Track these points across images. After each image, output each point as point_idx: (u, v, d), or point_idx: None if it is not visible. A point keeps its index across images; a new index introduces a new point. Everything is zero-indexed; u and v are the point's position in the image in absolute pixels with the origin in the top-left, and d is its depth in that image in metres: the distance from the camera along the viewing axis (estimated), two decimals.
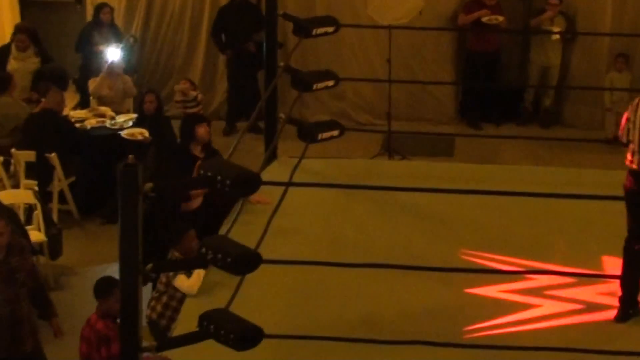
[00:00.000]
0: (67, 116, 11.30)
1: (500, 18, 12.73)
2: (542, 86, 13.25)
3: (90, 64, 12.62)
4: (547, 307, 8.11)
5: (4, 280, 7.42)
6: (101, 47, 12.48)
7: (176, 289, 7.95)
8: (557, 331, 7.76)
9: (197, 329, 6.37)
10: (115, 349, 7.31)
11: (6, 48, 12.18)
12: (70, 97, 12.72)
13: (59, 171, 10.51)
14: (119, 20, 13.42)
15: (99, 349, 7.40)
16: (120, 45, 12.51)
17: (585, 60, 13.20)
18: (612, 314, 7.94)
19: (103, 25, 12.76)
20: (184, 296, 7.87)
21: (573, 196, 8.62)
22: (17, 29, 12.32)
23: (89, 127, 11.17)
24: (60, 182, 10.57)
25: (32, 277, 7.71)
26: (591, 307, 8.07)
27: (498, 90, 13.28)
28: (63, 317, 8.29)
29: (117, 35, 12.85)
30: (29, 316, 7.63)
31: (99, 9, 12.84)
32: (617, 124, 12.45)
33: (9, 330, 7.49)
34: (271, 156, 10.05)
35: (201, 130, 9.54)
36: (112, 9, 12.93)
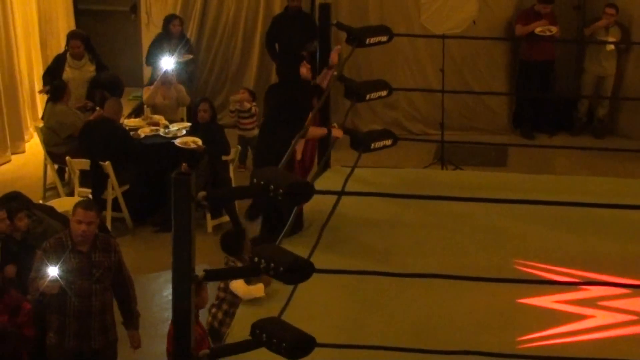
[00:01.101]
0: (123, 125, 11.37)
1: (554, 29, 12.69)
2: (597, 96, 13.20)
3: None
4: (601, 318, 8.06)
5: (80, 273, 7.51)
6: (185, 57, 12.58)
7: (235, 295, 7.96)
8: (611, 342, 7.72)
9: (249, 337, 6.41)
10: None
11: (62, 57, 12.26)
12: (125, 106, 12.79)
13: (112, 179, 10.58)
14: None
15: None
16: (176, 55, 12.59)
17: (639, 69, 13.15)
18: None
19: (173, 37, 12.80)
20: None
21: (627, 207, 8.56)
22: (71, 36, 12.38)
23: (142, 135, 11.23)
24: (114, 190, 10.63)
25: (118, 280, 7.77)
26: None
27: (551, 100, 13.23)
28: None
29: (188, 47, 12.91)
30: (103, 314, 7.68)
31: (168, 20, 12.89)
32: None
33: (77, 322, 7.56)
34: (324, 165, 10.06)
35: None
36: (182, 21, 12.96)
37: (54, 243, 7.60)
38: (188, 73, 12.76)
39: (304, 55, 11.84)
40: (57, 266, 7.33)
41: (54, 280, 7.34)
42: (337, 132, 9.47)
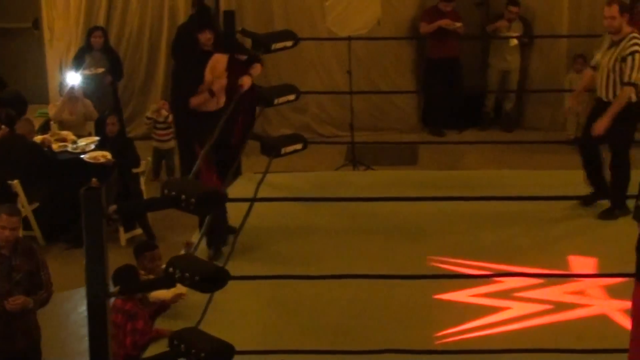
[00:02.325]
0: (35, 141, 11.24)
1: (458, 24, 12.81)
2: (503, 90, 13.34)
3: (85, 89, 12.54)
4: (517, 309, 8.16)
5: (0, 276, 7.47)
6: (87, 71, 12.47)
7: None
8: (527, 332, 7.82)
9: (167, 349, 6.40)
10: (139, 324, 7.53)
11: None
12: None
13: (22, 198, 10.50)
14: (75, 44, 13.39)
15: (124, 326, 7.56)
16: (82, 70, 12.51)
17: (544, 63, 13.30)
18: (580, 312, 8.03)
19: (94, 49, 12.71)
20: None
21: (537, 198, 8.71)
22: None
23: (57, 147, 11.16)
24: (24, 208, 10.55)
25: (38, 282, 7.72)
26: (560, 307, 8.14)
27: (459, 97, 13.35)
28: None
29: (113, 59, 12.84)
30: (26, 315, 7.62)
31: (89, 33, 12.79)
32: (578, 124, 12.64)
33: (0, 323, 7.52)
34: (235, 172, 10.07)
35: None
36: (104, 32, 12.86)
37: None
38: (103, 86, 12.66)
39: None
40: None
41: None
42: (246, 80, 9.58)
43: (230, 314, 7.88)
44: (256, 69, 9.40)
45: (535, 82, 13.29)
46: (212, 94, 8.84)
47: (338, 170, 11.69)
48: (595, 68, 9.35)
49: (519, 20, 12.98)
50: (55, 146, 11.25)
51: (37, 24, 13.89)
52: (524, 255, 8.78)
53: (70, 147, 11.23)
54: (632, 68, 9.02)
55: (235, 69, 9.18)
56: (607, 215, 9.24)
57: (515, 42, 12.98)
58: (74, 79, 12.14)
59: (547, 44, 13.18)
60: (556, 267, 8.55)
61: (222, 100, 8.90)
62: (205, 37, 9.20)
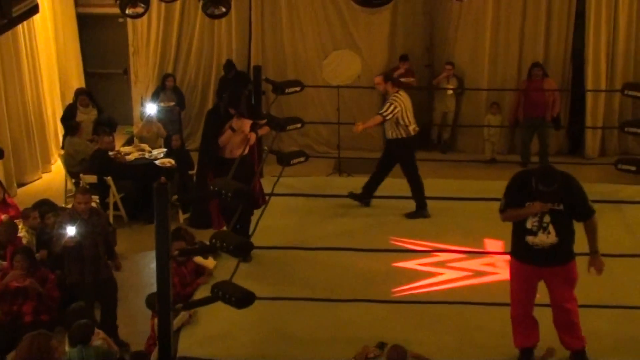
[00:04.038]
0: (109, 153, 11.13)
1: (411, 79, 12.77)
2: (442, 125, 13.31)
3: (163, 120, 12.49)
4: (448, 274, 8.15)
5: (88, 232, 7.57)
6: (162, 104, 12.46)
7: None
8: (455, 290, 7.81)
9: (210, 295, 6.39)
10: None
11: (73, 105, 12.11)
12: (120, 138, 12.68)
13: (113, 189, 10.48)
14: (152, 85, 13.38)
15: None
16: (159, 103, 12.48)
17: (470, 106, 13.26)
18: (491, 278, 8.01)
19: (167, 89, 12.67)
20: None
21: (463, 199, 8.69)
22: (79, 92, 12.27)
23: (133, 158, 11.11)
24: (114, 196, 10.53)
25: (105, 233, 7.90)
26: (477, 274, 8.14)
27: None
28: (119, 287, 8.25)
29: (180, 95, 12.84)
30: (104, 256, 7.79)
31: (164, 77, 12.78)
32: (492, 150, 12.62)
33: (92, 262, 7.61)
34: (259, 175, 10.04)
35: None
36: (174, 78, 12.87)
37: (66, 215, 7.76)
38: (174, 114, 12.61)
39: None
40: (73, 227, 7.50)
41: (72, 237, 7.48)
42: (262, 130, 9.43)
43: (252, 276, 7.84)
44: (264, 129, 8.89)
45: (465, 120, 13.26)
46: (232, 129, 8.35)
47: (329, 176, 11.65)
48: (385, 119, 9.41)
49: (454, 77, 12.94)
50: (136, 154, 11.22)
51: (126, 70, 13.85)
52: (454, 237, 8.77)
53: (147, 155, 11.20)
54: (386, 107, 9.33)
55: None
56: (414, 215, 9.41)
57: (451, 92, 12.95)
58: (151, 108, 12.13)
59: (473, 94, 13.13)
60: (475, 246, 8.55)
61: (238, 152, 8.38)
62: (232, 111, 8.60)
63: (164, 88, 12.66)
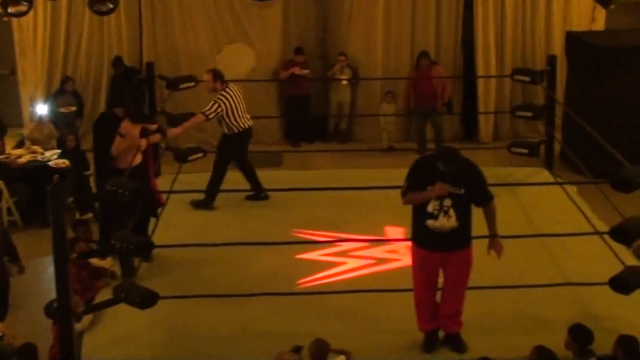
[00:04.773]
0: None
1: (306, 71, 12.81)
2: (338, 115, 13.39)
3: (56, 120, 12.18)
4: (351, 263, 8.22)
5: None
6: (63, 109, 12.14)
7: None
8: (358, 279, 7.88)
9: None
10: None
11: None
12: (10, 140, 12.32)
13: (5, 193, 10.20)
14: (41, 85, 13.05)
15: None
16: (47, 101, 12.21)
17: (365, 96, 13.37)
18: (393, 265, 8.11)
19: (66, 92, 12.33)
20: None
21: (362, 188, 8.75)
22: None
23: (25, 161, 10.81)
24: (7, 200, 10.24)
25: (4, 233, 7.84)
26: (380, 261, 8.23)
27: (309, 119, 13.34)
28: (16, 292, 8.03)
29: (80, 100, 12.51)
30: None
31: (64, 81, 12.42)
32: (389, 139, 12.78)
33: None
34: (157, 173, 9.92)
35: None
36: (74, 81, 12.52)
37: None
38: (71, 117, 12.29)
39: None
40: None
41: None
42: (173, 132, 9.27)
43: (157, 273, 7.75)
44: (155, 137, 8.48)
45: (360, 109, 13.37)
46: (122, 135, 7.97)
47: (228, 171, 11.57)
48: (208, 118, 9.40)
49: (348, 67, 13.03)
50: (28, 157, 10.92)
51: (13, 71, 13.47)
52: (355, 226, 8.83)
53: (39, 157, 10.92)
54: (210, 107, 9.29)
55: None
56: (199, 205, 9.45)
57: (345, 82, 13.04)
58: (41, 109, 11.86)
59: (367, 84, 13.26)
60: (377, 234, 8.64)
61: (137, 159, 8.01)
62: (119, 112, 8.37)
63: (63, 92, 12.35)
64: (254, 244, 7.78)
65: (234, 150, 9.53)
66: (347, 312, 7.18)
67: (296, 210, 9.32)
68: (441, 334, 6.72)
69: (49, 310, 6.66)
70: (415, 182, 6.34)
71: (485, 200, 6.42)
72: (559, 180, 9.85)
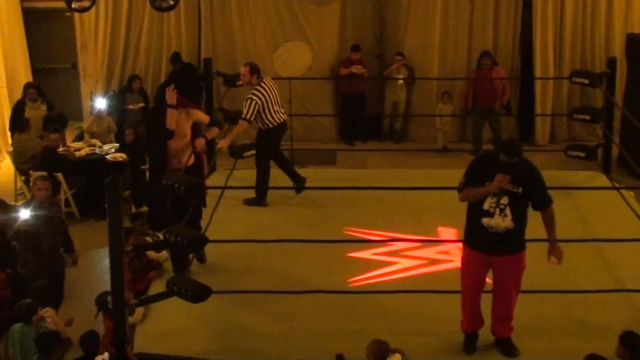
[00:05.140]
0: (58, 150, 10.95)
1: (363, 70, 12.81)
2: (393, 115, 13.36)
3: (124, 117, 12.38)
4: (403, 263, 8.21)
5: (47, 221, 7.51)
6: (131, 106, 12.33)
7: None
8: (410, 279, 7.87)
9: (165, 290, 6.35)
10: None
11: (22, 101, 11.92)
12: (70, 133, 12.52)
13: (64, 185, 10.36)
14: (101, 80, 13.26)
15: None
16: (106, 96, 12.40)
17: (421, 96, 13.32)
18: (445, 266, 8.07)
19: (134, 91, 12.50)
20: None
21: (415, 188, 8.74)
22: (27, 86, 12.04)
23: (84, 154, 10.99)
24: (65, 193, 10.41)
25: (63, 224, 7.86)
26: (432, 262, 8.20)
27: (364, 118, 13.34)
28: (71, 283, 8.16)
29: (146, 98, 12.63)
30: (60, 249, 7.78)
31: (131, 79, 12.56)
32: (444, 139, 12.71)
33: (50, 253, 7.55)
34: (212, 169, 10.01)
35: None
36: (141, 80, 12.66)
37: (25, 203, 7.71)
38: (138, 114, 12.45)
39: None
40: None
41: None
42: (222, 143, 9.31)
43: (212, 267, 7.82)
44: (213, 132, 8.26)
45: (416, 109, 13.32)
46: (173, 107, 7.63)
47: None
48: (249, 121, 9.32)
49: (404, 67, 13.00)
50: (87, 150, 11.10)
51: (75, 65, 13.71)
52: (408, 226, 8.82)
53: (97, 151, 11.09)
54: (246, 107, 9.24)
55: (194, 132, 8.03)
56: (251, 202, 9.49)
57: (402, 82, 13.01)
58: (100, 103, 12.02)
59: (423, 84, 13.21)
60: (430, 235, 8.61)
61: (191, 160, 7.84)
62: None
63: (131, 90, 12.52)
64: (306, 242, 7.81)
65: (271, 145, 9.52)
66: (395, 312, 7.17)
67: (349, 208, 9.33)
68: (489, 336, 6.67)
69: (99, 302, 6.78)
70: (474, 178, 6.29)
71: (543, 203, 6.33)
72: (616, 184, 9.69)
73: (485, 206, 6.24)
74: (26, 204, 7.64)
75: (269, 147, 9.53)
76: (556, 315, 7.07)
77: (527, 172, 6.24)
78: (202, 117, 8.22)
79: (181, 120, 7.78)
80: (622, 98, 11.94)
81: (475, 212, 6.33)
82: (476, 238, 6.37)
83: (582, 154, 9.86)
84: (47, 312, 6.73)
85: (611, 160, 10.53)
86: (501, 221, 6.24)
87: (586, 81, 10.04)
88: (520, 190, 6.20)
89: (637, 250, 7.85)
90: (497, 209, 6.20)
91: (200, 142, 7.95)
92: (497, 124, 12.47)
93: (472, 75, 12.51)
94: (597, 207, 9.21)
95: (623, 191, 9.09)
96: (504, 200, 6.21)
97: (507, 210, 6.22)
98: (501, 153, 6.13)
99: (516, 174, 6.15)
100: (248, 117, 9.23)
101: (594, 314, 7.08)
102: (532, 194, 6.26)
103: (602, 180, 9.93)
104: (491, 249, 6.32)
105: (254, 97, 9.27)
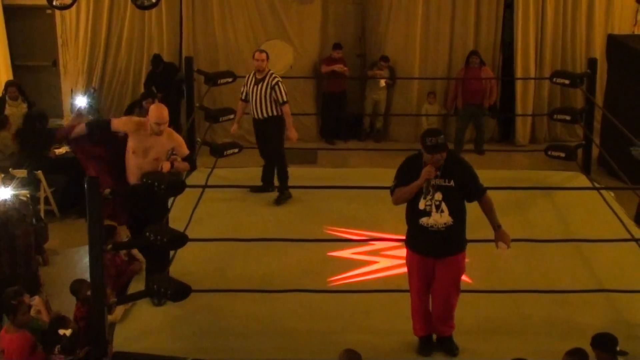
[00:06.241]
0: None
1: (344, 68, 12.81)
2: (374, 114, 13.36)
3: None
4: (383, 262, 8.18)
5: (20, 220, 7.63)
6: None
7: None
8: (389, 279, 7.83)
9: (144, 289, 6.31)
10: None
11: (2, 99, 11.83)
12: None
13: (44, 183, 10.29)
14: (82, 78, 13.18)
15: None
16: (86, 94, 12.34)
17: (402, 96, 13.34)
18: None
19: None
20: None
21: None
22: (8, 84, 11.98)
23: (64, 152, 10.92)
24: (45, 190, 10.34)
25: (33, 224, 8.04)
26: None
27: (345, 118, 13.33)
28: (49, 283, 8.09)
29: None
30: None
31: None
32: None
33: (25, 253, 7.56)
34: (192, 167, 9.96)
35: None
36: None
37: None
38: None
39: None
40: None
41: None
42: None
43: (190, 263, 7.77)
44: (183, 165, 7.28)
45: (397, 109, 13.32)
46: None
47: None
48: (245, 100, 9.37)
49: (386, 69, 13.00)
50: (66, 148, 11.01)
51: (55, 62, 13.62)
52: (388, 226, 8.77)
53: None
54: (281, 93, 9.21)
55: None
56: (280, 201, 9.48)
57: (383, 83, 13.01)
58: (80, 101, 11.97)
59: (404, 84, 13.22)
60: None
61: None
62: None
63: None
64: (286, 240, 7.78)
65: (283, 133, 9.47)
66: (375, 312, 7.15)
67: (329, 207, 9.30)
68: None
69: (74, 289, 6.83)
70: (404, 179, 6.30)
71: (477, 192, 6.28)
72: (596, 185, 9.73)
73: (421, 206, 6.22)
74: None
75: (282, 135, 9.44)
76: (536, 315, 7.07)
77: (456, 165, 6.24)
78: (182, 146, 7.35)
79: (159, 142, 7.14)
80: (602, 99, 12.00)
81: (412, 215, 6.30)
82: (419, 241, 6.32)
83: (562, 154, 9.90)
84: (34, 300, 6.73)
85: (591, 161, 10.55)
86: (439, 217, 6.19)
87: (567, 82, 10.07)
88: (452, 183, 6.18)
89: (617, 251, 7.88)
90: (433, 207, 6.18)
91: (166, 166, 7.09)
92: (481, 124, 12.51)
93: (459, 74, 12.53)
94: (577, 208, 9.22)
95: (603, 191, 9.12)
96: (438, 196, 6.18)
97: (443, 206, 6.19)
98: (425, 137, 6.11)
99: (445, 170, 6.15)
100: (287, 99, 9.25)
101: (574, 314, 7.08)
102: (465, 186, 6.23)
103: (582, 180, 9.96)
104: (434, 252, 6.27)
105: (280, 79, 9.26)
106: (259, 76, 9.30)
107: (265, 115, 9.30)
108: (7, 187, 7.53)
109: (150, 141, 7.07)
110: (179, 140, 7.30)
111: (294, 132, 9.36)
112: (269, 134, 9.44)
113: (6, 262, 7.43)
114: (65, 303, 7.89)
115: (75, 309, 6.98)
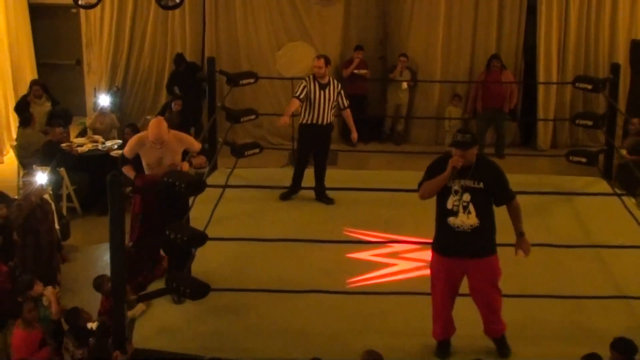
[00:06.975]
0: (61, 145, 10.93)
1: (365, 71, 12.81)
2: (395, 116, 13.35)
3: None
4: (401, 265, 8.18)
5: (44, 218, 7.68)
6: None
7: None
8: (408, 281, 7.83)
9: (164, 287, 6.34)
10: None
11: (26, 97, 11.93)
12: (74, 129, 12.52)
13: (66, 180, 10.35)
14: (105, 77, 13.27)
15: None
16: (109, 93, 12.41)
17: (423, 99, 13.32)
18: None
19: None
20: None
21: (416, 190, 8.69)
22: (33, 83, 12.08)
23: (86, 149, 11.00)
24: (67, 187, 10.40)
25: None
26: (430, 264, 8.13)
27: (366, 120, 13.32)
28: (70, 280, 8.15)
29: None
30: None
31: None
32: None
33: (49, 249, 7.64)
34: (213, 167, 10.00)
35: None
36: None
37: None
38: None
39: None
40: None
41: None
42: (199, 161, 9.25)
43: (211, 263, 7.80)
44: (199, 159, 8.01)
45: (418, 112, 13.31)
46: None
47: (282, 168, 11.61)
48: (301, 99, 9.25)
49: (407, 69, 12.98)
50: (90, 146, 11.12)
51: (79, 62, 13.71)
52: (407, 228, 8.78)
53: (100, 147, 11.11)
54: (345, 97, 9.42)
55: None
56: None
57: (405, 85, 12.99)
58: (104, 100, 12.04)
59: (426, 86, 13.20)
60: (429, 237, 8.53)
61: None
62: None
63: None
64: (306, 241, 7.79)
65: (306, 142, 9.51)
66: (394, 314, 7.16)
67: (349, 209, 9.31)
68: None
69: (97, 284, 6.89)
70: (432, 176, 6.31)
71: (506, 197, 6.28)
72: (617, 191, 9.67)
73: (449, 205, 6.22)
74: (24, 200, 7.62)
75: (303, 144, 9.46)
76: (555, 320, 7.05)
77: (487, 168, 6.24)
78: (193, 144, 7.62)
79: (169, 148, 7.26)
80: (625, 104, 11.92)
81: (440, 213, 6.32)
82: (445, 242, 6.32)
83: (583, 160, 9.83)
84: (47, 290, 6.80)
85: (613, 167, 10.49)
86: (466, 218, 6.19)
87: (589, 87, 10.02)
88: (482, 185, 6.17)
89: (637, 257, 7.82)
90: (461, 207, 6.17)
91: (185, 166, 7.40)
92: (502, 127, 12.48)
93: (480, 77, 12.51)
94: (597, 213, 9.18)
95: (624, 198, 9.06)
96: (466, 197, 6.18)
97: (471, 207, 6.18)
98: (456, 134, 6.17)
99: (475, 172, 6.15)
100: (347, 104, 9.45)
101: (593, 320, 7.05)
102: (494, 189, 6.22)
103: (603, 186, 9.90)
104: (461, 252, 6.26)
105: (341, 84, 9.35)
106: (323, 81, 9.26)
107: (329, 120, 9.36)
108: (43, 174, 7.63)
109: (160, 151, 7.19)
110: (188, 140, 7.47)
111: (355, 136, 9.70)
112: (329, 139, 9.53)
113: (30, 258, 7.48)
114: (85, 299, 7.96)
115: (100, 304, 7.03)
